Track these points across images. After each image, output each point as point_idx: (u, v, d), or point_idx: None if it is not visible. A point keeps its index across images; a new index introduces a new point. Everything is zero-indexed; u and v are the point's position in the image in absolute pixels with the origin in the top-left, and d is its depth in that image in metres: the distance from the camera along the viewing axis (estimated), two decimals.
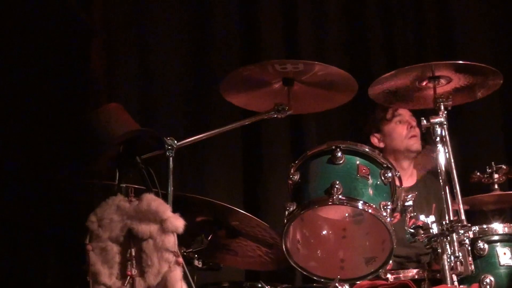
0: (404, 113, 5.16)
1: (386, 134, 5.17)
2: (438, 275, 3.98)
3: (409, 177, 5.06)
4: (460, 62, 4.22)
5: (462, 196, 3.99)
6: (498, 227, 4.13)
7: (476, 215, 4.75)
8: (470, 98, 4.39)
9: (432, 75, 4.18)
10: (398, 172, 3.94)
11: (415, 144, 5.11)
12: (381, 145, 5.13)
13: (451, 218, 3.89)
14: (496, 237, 4.08)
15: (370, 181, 3.84)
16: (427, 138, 4.23)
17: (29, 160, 4.62)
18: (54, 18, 5.06)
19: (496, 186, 4.61)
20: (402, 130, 5.13)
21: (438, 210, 4.87)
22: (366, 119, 5.27)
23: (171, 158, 3.79)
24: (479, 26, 6.11)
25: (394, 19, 6.15)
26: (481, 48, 6.01)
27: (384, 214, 3.77)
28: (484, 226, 4.11)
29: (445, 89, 4.23)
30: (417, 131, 5.10)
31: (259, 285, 4.19)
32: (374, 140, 5.17)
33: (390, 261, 3.89)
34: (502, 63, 5.59)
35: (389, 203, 3.81)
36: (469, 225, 3.89)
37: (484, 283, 3.94)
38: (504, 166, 4.65)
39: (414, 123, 5.12)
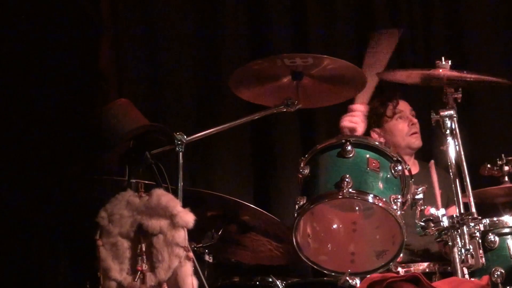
0: (405, 109, 5.16)
1: (387, 130, 5.18)
2: (449, 268, 3.98)
3: (411, 168, 5.05)
4: (471, 76, 4.22)
5: (472, 189, 3.99)
6: (509, 219, 4.12)
7: (487, 208, 4.73)
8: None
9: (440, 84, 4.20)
10: (408, 166, 3.94)
11: (417, 141, 5.13)
12: (382, 140, 5.12)
13: (462, 211, 3.89)
14: (507, 230, 4.08)
15: (380, 174, 3.85)
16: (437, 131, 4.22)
17: (40, 156, 4.63)
18: (63, 14, 5.06)
19: (506, 179, 4.60)
20: (404, 127, 5.14)
21: (444, 197, 4.87)
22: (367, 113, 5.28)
23: (180, 153, 3.79)
24: (487, 22, 6.09)
25: (402, 15, 6.13)
26: (489, 40, 5.99)
27: (395, 207, 3.76)
28: (495, 218, 4.10)
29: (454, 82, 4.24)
30: (417, 127, 5.11)
31: (270, 280, 4.19)
32: (374, 135, 5.18)
33: (401, 254, 3.89)
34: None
35: (399, 196, 3.81)
36: (480, 218, 3.89)
37: (495, 275, 3.94)
38: None
39: (415, 120, 5.13)
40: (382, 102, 5.11)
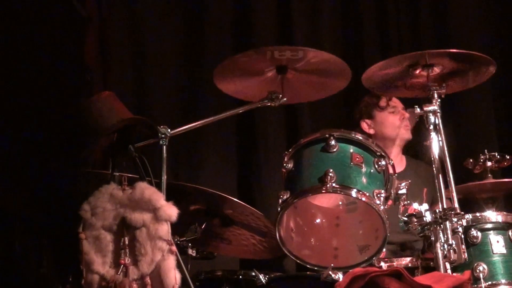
0: (398, 104, 5.18)
1: (378, 121, 5.19)
2: (431, 263, 3.99)
3: (398, 164, 5.05)
4: (454, 50, 4.22)
5: (455, 184, 4.00)
6: (491, 215, 4.13)
7: (469, 203, 4.75)
8: (463, 86, 4.40)
9: (425, 63, 4.18)
10: (392, 161, 3.95)
11: (406, 133, 5.13)
12: (371, 131, 5.15)
13: (444, 206, 3.89)
14: (489, 225, 4.08)
15: (364, 169, 3.85)
16: (421, 126, 4.22)
17: (23, 149, 4.61)
18: (48, 6, 5.04)
19: (489, 174, 4.61)
20: (395, 120, 5.16)
21: (429, 195, 4.89)
22: (358, 104, 5.28)
23: (164, 147, 3.79)
24: (473, 14, 6.10)
25: (388, 7, 6.13)
26: (475, 36, 6.01)
27: (378, 202, 3.77)
28: (477, 214, 4.11)
29: (439, 77, 4.23)
30: (408, 123, 5.12)
31: (253, 274, 4.18)
32: (364, 125, 5.19)
33: (384, 249, 3.90)
34: (495, 51, 5.61)
35: (382, 191, 3.81)
36: (462, 213, 3.89)
37: (477, 271, 3.95)
38: (497, 154, 4.65)
39: (407, 115, 5.13)
40: (374, 94, 5.11)
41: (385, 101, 5.17)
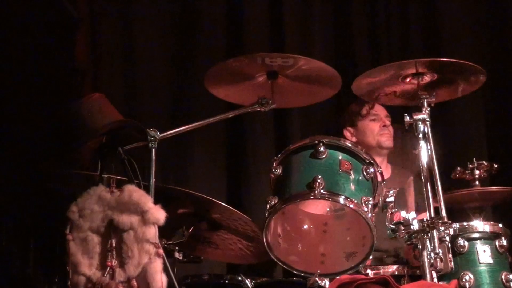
0: (380, 112, 5.18)
1: (359, 129, 5.20)
2: (417, 271, 4.00)
3: (383, 172, 5.07)
4: (444, 59, 4.23)
5: (443, 193, 4.01)
6: (479, 224, 4.16)
7: (457, 212, 4.77)
8: (453, 95, 4.41)
9: (415, 72, 4.19)
10: (380, 168, 3.96)
11: (387, 141, 5.13)
12: (353, 139, 5.15)
13: (432, 215, 3.90)
14: (476, 235, 4.10)
15: (352, 176, 3.85)
16: (410, 135, 4.23)
17: (12, 149, 4.60)
18: (39, 7, 5.03)
19: (477, 183, 4.63)
20: (375, 127, 5.16)
21: (414, 202, 4.89)
22: (342, 112, 5.30)
23: (153, 150, 3.79)
24: (464, 23, 6.12)
25: (379, 15, 6.14)
26: (465, 45, 6.02)
27: (366, 209, 3.78)
28: (465, 223, 4.13)
29: (428, 85, 4.24)
30: (390, 130, 5.13)
31: (239, 278, 4.19)
32: (347, 134, 5.20)
33: (371, 257, 3.91)
34: (485, 60, 5.63)
35: (370, 199, 3.82)
36: (450, 222, 3.91)
37: (463, 280, 3.96)
38: (485, 163, 4.67)
39: (388, 123, 5.14)
40: (358, 102, 5.12)
41: (367, 109, 5.18)
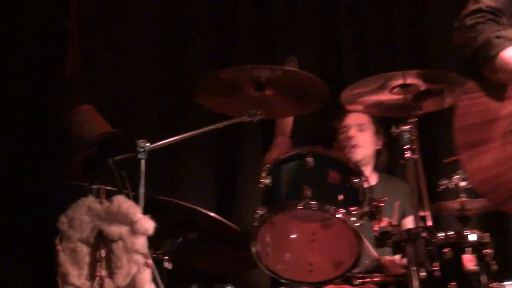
0: (350, 123, 5.21)
1: (339, 143, 5.25)
2: (403, 280, 4.02)
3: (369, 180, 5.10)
4: (431, 70, 4.27)
5: (429, 203, 4.04)
6: (466, 233, 4.18)
7: (443, 222, 4.80)
8: (440, 106, 4.44)
9: (402, 83, 4.22)
10: (367, 178, 3.99)
11: (352, 152, 5.16)
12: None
13: (418, 224, 3.94)
14: (463, 244, 4.12)
15: (340, 186, 3.89)
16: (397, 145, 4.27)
17: (2, 160, 4.61)
18: (30, 19, 5.06)
19: (463, 194, 4.65)
20: (344, 141, 5.21)
21: (401, 208, 4.92)
22: (330, 123, 5.35)
23: (142, 161, 3.81)
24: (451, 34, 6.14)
25: (366, 27, 6.17)
26: (452, 56, 6.04)
27: (353, 219, 3.81)
28: (451, 232, 4.16)
29: (416, 96, 4.27)
30: (358, 140, 5.16)
31: None
32: (336, 146, 5.25)
33: (358, 265, 3.94)
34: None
35: (358, 208, 3.85)
36: (436, 231, 3.94)
37: None
38: None
39: (350, 134, 5.17)
40: (337, 116, 5.19)
41: (339, 123, 5.25)
